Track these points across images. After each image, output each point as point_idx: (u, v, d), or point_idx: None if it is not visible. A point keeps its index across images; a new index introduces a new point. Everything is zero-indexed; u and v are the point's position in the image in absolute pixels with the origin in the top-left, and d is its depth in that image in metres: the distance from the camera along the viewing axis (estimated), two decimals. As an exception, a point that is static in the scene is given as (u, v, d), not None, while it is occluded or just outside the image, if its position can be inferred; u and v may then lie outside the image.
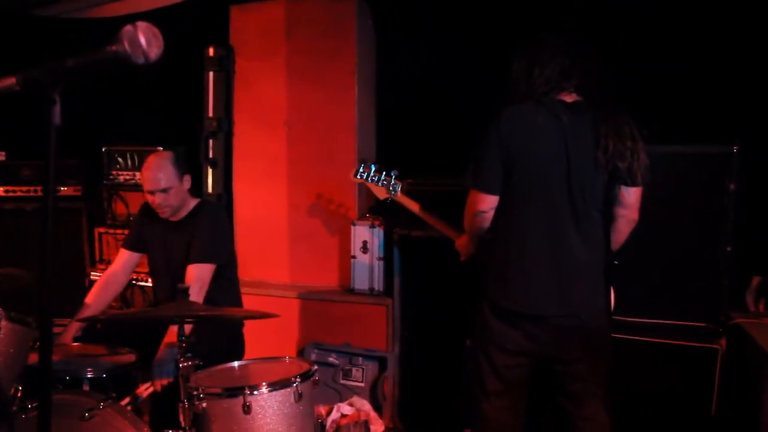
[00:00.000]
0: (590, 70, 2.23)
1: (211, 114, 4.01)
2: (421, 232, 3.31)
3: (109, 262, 4.15)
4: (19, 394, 2.37)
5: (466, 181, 2.31)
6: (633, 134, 2.17)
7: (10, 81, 0.98)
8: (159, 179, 2.87)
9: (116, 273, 3.04)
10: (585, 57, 2.23)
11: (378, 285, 3.58)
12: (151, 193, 2.87)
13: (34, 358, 2.51)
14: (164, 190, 2.87)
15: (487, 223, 2.31)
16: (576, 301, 2.21)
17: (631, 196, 2.24)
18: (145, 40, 0.97)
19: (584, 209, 2.20)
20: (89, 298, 2.96)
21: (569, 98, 2.23)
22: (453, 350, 3.16)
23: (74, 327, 2.83)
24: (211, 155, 4.04)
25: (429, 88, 3.81)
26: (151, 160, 2.92)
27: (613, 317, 2.41)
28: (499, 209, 2.26)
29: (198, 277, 2.78)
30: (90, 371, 2.49)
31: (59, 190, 4.31)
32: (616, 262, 2.36)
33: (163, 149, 4.00)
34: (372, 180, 2.95)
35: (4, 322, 2.34)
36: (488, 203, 2.26)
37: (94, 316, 2.82)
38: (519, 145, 2.18)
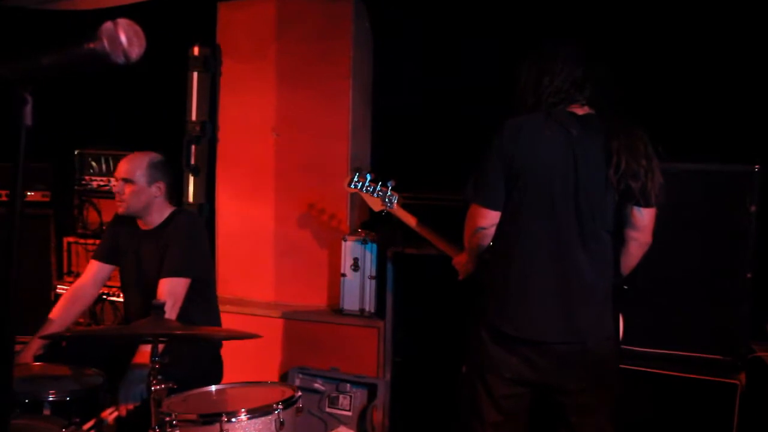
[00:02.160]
0: (603, 82, 2.25)
1: (194, 117, 4.02)
2: (417, 248, 3.32)
3: (78, 275, 4.14)
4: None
5: (466, 195, 2.32)
6: (647, 152, 2.19)
7: None
8: (125, 168, 2.96)
9: (85, 286, 3.04)
10: (598, 67, 2.26)
11: (369, 306, 3.58)
12: (116, 180, 2.98)
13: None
14: (125, 180, 2.94)
15: (487, 241, 2.32)
16: (581, 327, 2.22)
17: (644, 217, 2.26)
18: (126, 39, 0.99)
19: (593, 229, 2.21)
20: (54, 313, 2.95)
21: (580, 111, 2.26)
22: (449, 377, 3.14)
23: (36, 344, 2.81)
24: (192, 162, 4.04)
25: (429, 95, 3.83)
26: (136, 153, 3.02)
27: (622, 346, 2.42)
28: (501, 226, 2.28)
29: (170, 292, 2.78)
30: (52, 394, 2.47)
31: (26, 196, 4.31)
32: (625, 287, 2.37)
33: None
34: (367, 190, 2.96)
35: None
36: (489, 219, 2.28)
37: (59, 333, 2.81)
38: (523, 159, 2.20)
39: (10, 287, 0.99)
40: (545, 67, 2.25)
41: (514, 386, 2.27)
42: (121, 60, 0.98)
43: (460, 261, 2.62)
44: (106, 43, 0.97)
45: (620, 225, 2.28)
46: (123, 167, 2.97)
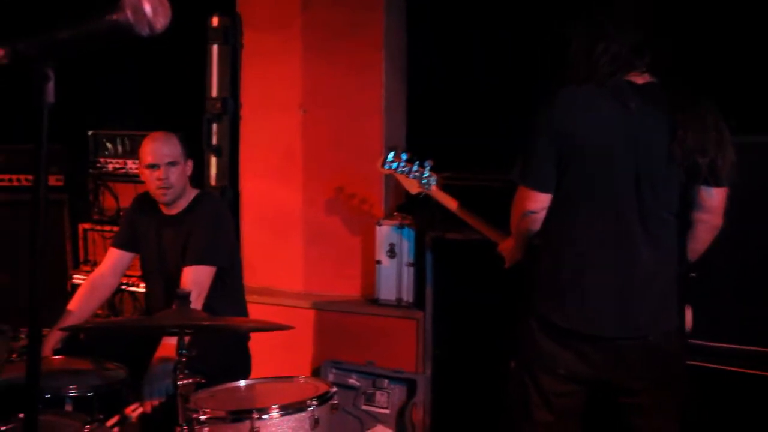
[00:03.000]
0: (666, 47, 2.19)
1: (214, 94, 4.04)
2: (459, 233, 3.30)
3: (95, 264, 4.20)
4: (-7, 414, 2.41)
5: (513, 176, 2.29)
6: (717, 124, 2.13)
7: None
8: (166, 151, 2.93)
9: (104, 275, 3.08)
10: (660, 30, 2.20)
11: (407, 295, 3.58)
12: (155, 167, 2.91)
13: (9, 371, 2.55)
14: (171, 164, 2.92)
15: (537, 225, 2.29)
16: (642, 320, 2.18)
17: (714, 198, 2.21)
18: (151, 9, 0.98)
19: (655, 211, 2.17)
20: (72, 305, 3.00)
21: (640, 79, 2.20)
22: (495, 373, 3.13)
23: (54, 337, 2.86)
24: (214, 141, 4.06)
25: (470, 65, 3.80)
26: (156, 134, 2.99)
27: (689, 340, 2.38)
28: (552, 209, 2.25)
29: (195, 281, 2.81)
30: (73, 389, 2.53)
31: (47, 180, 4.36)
32: (693, 275, 2.33)
33: (159, 134, 4.03)
34: (402, 171, 2.95)
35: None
36: (539, 202, 2.25)
37: (78, 325, 2.86)
38: (577, 135, 2.16)
39: (37, 276, 0.99)
40: (599, 32, 2.20)
41: (567, 383, 2.25)
42: (145, 32, 0.97)
43: (507, 247, 2.60)
44: (129, 14, 0.96)
45: (687, 206, 2.23)
46: (163, 150, 2.93)
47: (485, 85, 3.76)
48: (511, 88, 3.59)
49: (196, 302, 2.74)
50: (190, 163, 3.03)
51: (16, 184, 4.36)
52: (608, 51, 2.18)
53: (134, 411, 2.58)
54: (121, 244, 3.11)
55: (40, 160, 1.00)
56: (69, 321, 2.91)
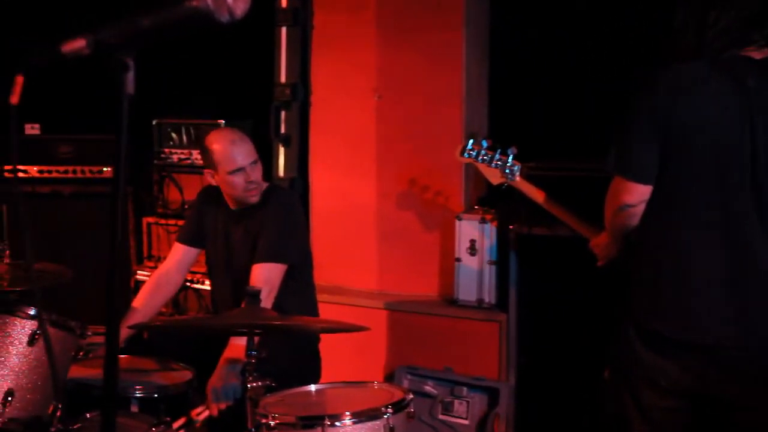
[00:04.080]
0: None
1: (283, 80, 4.10)
2: (546, 228, 3.28)
3: (159, 259, 4.34)
4: (58, 414, 2.53)
5: (607, 165, 2.26)
6: None
7: (80, 44, 1.06)
8: (247, 151, 2.99)
9: (169, 272, 3.18)
10: None
11: (489, 296, 3.57)
12: (241, 170, 2.97)
13: (75, 371, 2.68)
14: (254, 162, 3.00)
15: (635, 220, 2.26)
16: (762, 327, 2.12)
17: None
18: None
19: (775, 204, 2.11)
20: (137, 302, 3.11)
21: (758, 54, 2.13)
22: (586, 383, 3.10)
23: (120, 335, 2.98)
24: (283, 130, 4.13)
25: (558, 45, 3.76)
26: (226, 134, 3.05)
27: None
28: (653, 202, 2.21)
29: (265, 279, 2.87)
30: (139, 389, 2.64)
31: (103, 171, 4.54)
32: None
33: (226, 122, 4.12)
34: (483, 160, 2.94)
35: (43, 327, 2.51)
36: (638, 194, 2.21)
37: (144, 323, 2.96)
38: (683, 119, 2.11)
39: (116, 271, 1.05)
40: (709, 0, 2.14)
41: (670, 397, 2.20)
42: (225, 18, 1.01)
43: (600, 244, 2.57)
44: (209, 0, 0.99)
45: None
46: (245, 149, 2.99)
47: (574, 67, 3.72)
48: (604, 68, 3.54)
49: (266, 301, 2.79)
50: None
51: (80, 176, 4.54)
52: (720, 22, 2.12)
53: (200, 414, 2.66)
54: (187, 239, 3.20)
55: (120, 152, 1.05)
56: (134, 319, 3.01)
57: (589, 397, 3.05)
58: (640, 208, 2.22)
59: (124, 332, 2.97)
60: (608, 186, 2.29)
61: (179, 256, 3.19)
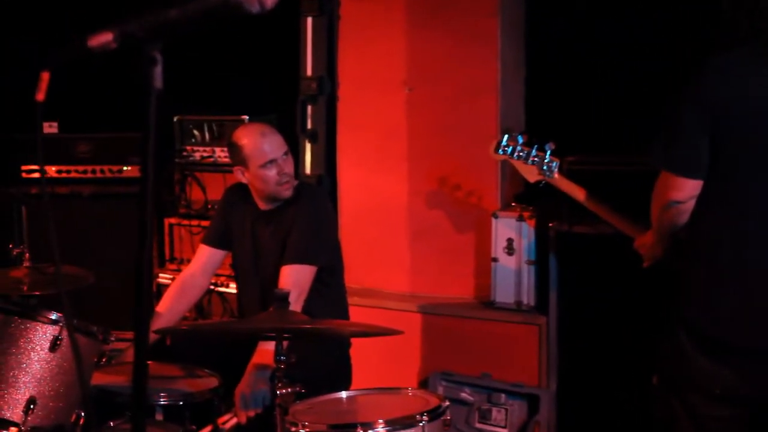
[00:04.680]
0: None
1: (309, 73, 4.12)
2: (588, 227, 3.26)
3: (182, 261, 4.38)
4: (81, 422, 2.57)
5: (653, 159, 2.26)
6: None
7: (107, 37, 1.07)
8: (278, 142, 3.03)
9: (194, 275, 3.21)
10: None
11: (527, 298, 3.56)
12: (273, 162, 2.99)
13: (98, 377, 2.71)
14: (286, 154, 3.04)
15: (684, 217, 2.25)
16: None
17: None
18: None
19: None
20: (161, 306, 3.15)
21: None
22: (632, 390, 3.10)
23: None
24: (309, 126, 4.15)
25: (598, 32, 3.73)
26: (255, 126, 3.11)
27: None
28: (705, 197, 2.20)
29: (295, 281, 2.89)
30: (164, 397, 2.66)
31: (123, 171, 4.58)
32: None
33: (250, 118, 4.15)
34: (519, 157, 2.93)
35: (65, 332, 2.54)
36: (687, 190, 2.20)
37: (168, 328, 2.99)
38: (734, 109, 2.10)
39: (144, 275, 1.06)
40: None
41: (726, 406, 2.19)
42: (255, 9, 1.02)
43: (646, 243, 2.56)
44: (239, -10, 1.01)
45: None
46: (276, 140, 3.03)
47: (617, 54, 3.69)
48: (649, 56, 3.52)
49: (295, 305, 2.81)
50: None
51: (100, 176, 4.59)
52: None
53: (228, 422, 2.69)
54: (213, 241, 3.23)
55: (147, 150, 1.07)
56: (157, 324, 3.03)
57: (635, 405, 3.04)
58: (690, 205, 2.22)
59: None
60: (654, 181, 2.29)
61: (204, 259, 3.22)
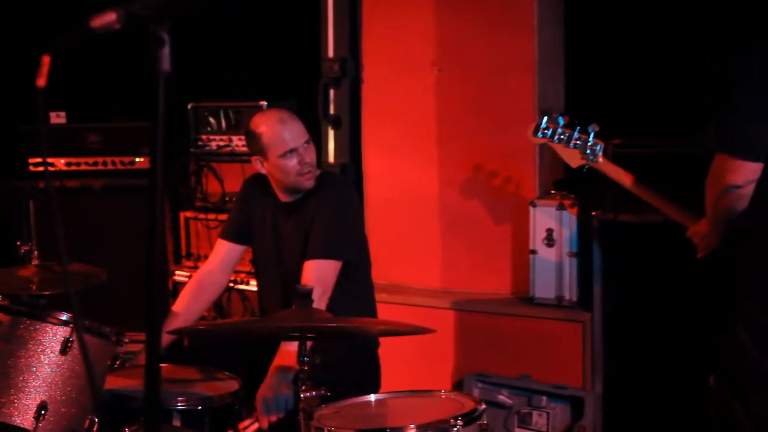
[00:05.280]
0: None
1: (330, 54, 4.12)
2: (635, 215, 3.25)
3: (199, 258, 4.39)
4: (95, 428, 2.57)
5: (708, 141, 2.25)
6: None
7: (110, 17, 1.06)
8: (299, 129, 3.02)
9: (212, 272, 3.21)
10: None
11: (569, 293, 3.54)
12: (294, 152, 2.98)
13: (112, 381, 2.72)
14: (307, 142, 3.02)
15: (743, 203, 2.23)
16: None
17: None
18: None
19: None
20: (178, 305, 3.16)
21: None
22: (686, 391, 3.09)
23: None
24: (332, 111, 4.15)
25: (644, 6, 3.70)
26: (274, 113, 3.09)
27: None
28: (763, 183, 2.18)
29: (318, 277, 2.89)
30: (181, 402, 2.67)
31: (135, 162, 4.60)
32: None
33: (268, 104, 4.14)
34: (560, 140, 2.93)
35: (79, 334, 2.54)
36: (746, 173, 2.19)
37: (185, 328, 3.00)
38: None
39: (156, 273, 1.04)
40: None
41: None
42: None
43: (700, 232, 2.56)
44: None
45: None
46: (296, 128, 3.01)
47: (664, 29, 3.68)
48: (699, 30, 3.49)
49: (319, 302, 2.80)
50: None
51: (111, 168, 4.60)
52: None
53: (249, 427, 2.70)
54: (231, 235, 3.23)
55: (157, 137, 1.05)
56: (174, 324, 3.04)
57: (689, 408, 3.02)
58: (749, 189, 2.20)
59: (165, 338, 3.01)
60: (708, 164, 2.28)
61: (223, 254, 3.22)
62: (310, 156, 3.01)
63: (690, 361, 3.08)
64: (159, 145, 1.05)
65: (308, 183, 3.03)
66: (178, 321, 3.07)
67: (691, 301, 3.14)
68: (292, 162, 2.97)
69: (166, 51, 1.05)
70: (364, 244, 3.23)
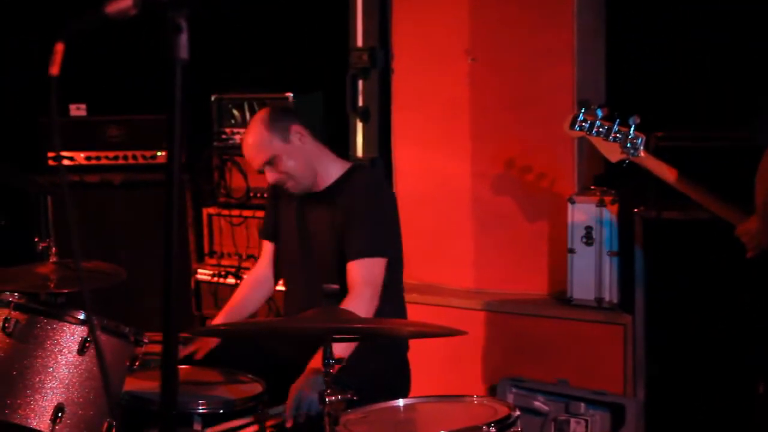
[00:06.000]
0: None
1: (359, 43, 4.13)
2: (680, 212, 3.24)
3: (222, 256, 4.41)
4: (113, 431, 2.59)
5: (757, 134, 2.29)
6: None
7: (126, 3, 1.06)
8: (255, 151, 3.00)
9: (263, 272, 3.27)
10: None
11: (609, 294, 3.53)
12: (260, 172, 3.05)
13: (131, 383, 2.74)
14: (269, 163, 2.99)
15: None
16: None
17: None
18: None
19: None
20: (228, 306, 3.21)
21: None
22: (732, 398, 3.06)
23: (210, 343, 3.06)
24: (360, 102, 4.16)
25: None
26: (248, 129, 3.10)
27: None
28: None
29: (365, 278, 2.87)
30: (202, 405, 2.67)
31: (156, 156, 4.62)
32: None
33: (294, 96, 4.15)
34: (598, 133, 2.92)
35: (93, 333, 2.56)
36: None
37: (203, 329, 3.04)
38: None
39: (173, 272, 1.04)
40: None
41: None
42: None
43: (749, 230, 2.54)
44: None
45: None
46: (249, 154, 3.02)
47: (709, 18, 3.64)
48: (747, 18, 3.45)
49: (370, 305, 2.81)
50: (295, 129, 3.03)
51: (132, 162, 4.63)
52: None
53: (249, 427, 2.69)
54: (269, 234, 3.26)
55: (173, 128, 1.04)
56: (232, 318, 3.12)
57: (736, 417, 2.99)
58: None
59: (208, 343, 3.04)
60: (758, 159, 2.31)
61: (268, 254, 3.27)
62: (272, 177, 3.00)
63: (737, 367, 3.05)
64: (176, 135, 1.05)
65: (293, 191, 3.04)
66: (235, 315, 3.14)
67: (739, 303, 3.10)
68: (268, 177, 3.02)
69: (184, 38, 1.05)
70: (399, 240, 3.21)
